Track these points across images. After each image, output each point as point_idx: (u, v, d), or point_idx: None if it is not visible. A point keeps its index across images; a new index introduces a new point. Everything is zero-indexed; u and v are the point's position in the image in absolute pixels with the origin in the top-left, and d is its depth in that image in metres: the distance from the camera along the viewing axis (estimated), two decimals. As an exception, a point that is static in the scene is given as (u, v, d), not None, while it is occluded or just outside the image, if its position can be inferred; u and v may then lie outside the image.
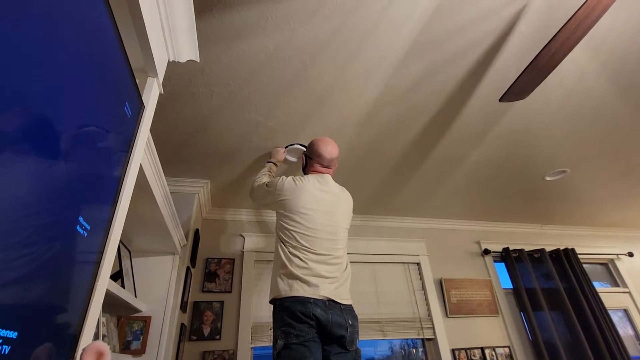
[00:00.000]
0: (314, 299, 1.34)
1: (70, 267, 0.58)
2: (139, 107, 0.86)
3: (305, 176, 1.65)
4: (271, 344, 2.17)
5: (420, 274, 2.86)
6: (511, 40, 1.43)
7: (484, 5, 1.29)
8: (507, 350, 2.65)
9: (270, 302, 1.44)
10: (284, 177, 1.63)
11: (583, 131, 2.06)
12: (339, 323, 1.35)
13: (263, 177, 1.79)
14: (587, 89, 1.73)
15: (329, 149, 1.67)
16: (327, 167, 1.69)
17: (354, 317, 1.43)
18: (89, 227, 0.63)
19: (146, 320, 1.72)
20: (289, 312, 1.32)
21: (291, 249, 1.45)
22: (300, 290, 1.35)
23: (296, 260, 1.42)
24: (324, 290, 1.37)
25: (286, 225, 1.51)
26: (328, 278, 1.41)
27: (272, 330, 1.42)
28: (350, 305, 1.45)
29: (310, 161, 1.71)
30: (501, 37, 1.42)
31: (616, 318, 3.09)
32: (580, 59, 1.55)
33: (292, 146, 1.96)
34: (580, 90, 1.74)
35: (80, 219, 0.59)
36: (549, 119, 1.94)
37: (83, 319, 0.65)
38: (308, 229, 1.48)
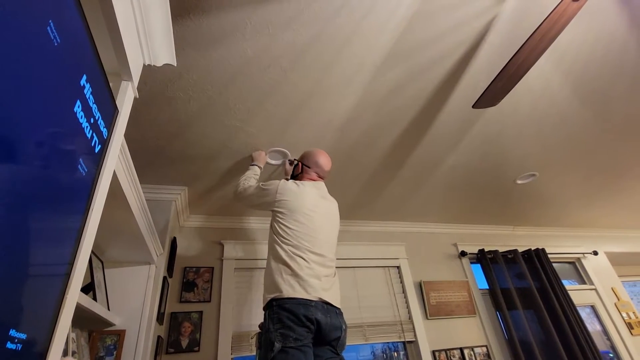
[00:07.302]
0: (314, 301, 1.34)
1: (37, 279, 0.55)
2: (112, 112, 0.83)
3: (302, 181, 1.68)
4: (253, 354, 2.13)
5: (401, 277, 2.90)
6: (482, 50, 1.50)
7: (457, 17, 1.35)
8: (484, 349, 2.72)
9: (267, 303, 1.39)
10: (284, 180, 1.67)
11: (550, 136, 2.17)
12: (336, 326, 1.38)
13: (251, 180, 1.79)
14: (552, 96, 1.83)
15: (327, 162, 1.78)
16: (321, 177, 1.77)
17: (344, 321, 1.46)
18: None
19: (120, 334, 1.65)
20: (290, 313, 1.29)
21: (292, 249, 1.45)
22: (302, 292, 1.35)
23: (298, 260, 1.42)
24: (323, 293, 1.39)
25: (287, 225, 1.51)
26: (324, 281, 1.44)
27: (259, 335, 1.37)
28: (340, 309, 1.47)
29: (307, 169, 1.77)
30: (473, 47, 1.48)
31: (584, 314, 3.24)
32: (546, 68, 1.64)
33: (275, 149, 1.96)
34: (547, 97, 1.84)
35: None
36: (519, 125, 2.03)
37: (51, 335, 0.61)
38: (310, 229, 1.51)
